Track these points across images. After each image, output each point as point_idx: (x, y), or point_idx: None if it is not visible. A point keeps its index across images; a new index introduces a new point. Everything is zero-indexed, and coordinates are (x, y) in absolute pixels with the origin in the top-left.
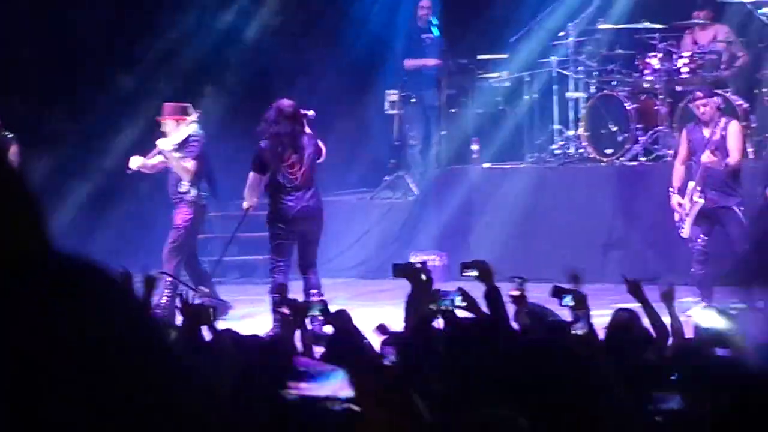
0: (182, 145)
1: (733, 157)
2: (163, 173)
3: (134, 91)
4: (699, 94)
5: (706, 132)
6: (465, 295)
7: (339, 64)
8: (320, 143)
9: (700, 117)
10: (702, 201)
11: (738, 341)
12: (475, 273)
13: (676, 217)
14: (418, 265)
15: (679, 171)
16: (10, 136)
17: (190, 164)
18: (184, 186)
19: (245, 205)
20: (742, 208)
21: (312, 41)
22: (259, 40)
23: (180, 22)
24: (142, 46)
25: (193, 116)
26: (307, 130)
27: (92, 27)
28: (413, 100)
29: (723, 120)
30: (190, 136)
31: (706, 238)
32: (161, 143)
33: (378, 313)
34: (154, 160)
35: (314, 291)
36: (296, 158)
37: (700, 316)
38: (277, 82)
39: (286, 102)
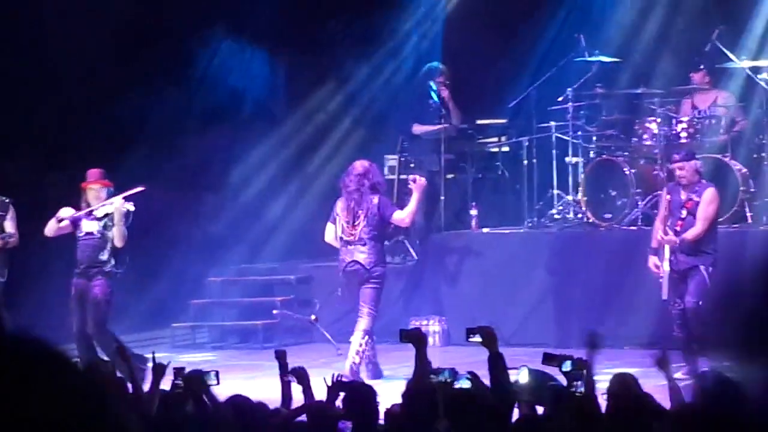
0: (115, 212)
1: (695, 230)
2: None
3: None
4: (676, 156)
5: (683, 195)
6: (474, 380)
7: (339, 126)
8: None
9: (678, 180)
10: (668, 269)
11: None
12: (479, 339)
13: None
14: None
15: (657, 230)
16: (7, 200)
17: (125, 232)
18: (104, 255)
19: None
20: (710, 269)
21: (314, 103)
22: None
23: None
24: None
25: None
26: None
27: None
28: (412, 165)
29: (701, 185)
30: (123, 204)
31: (681, 301)
32: (116, 201)
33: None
34: (63, 224)
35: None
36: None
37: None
38: (275, 141)
39: (357, 162)
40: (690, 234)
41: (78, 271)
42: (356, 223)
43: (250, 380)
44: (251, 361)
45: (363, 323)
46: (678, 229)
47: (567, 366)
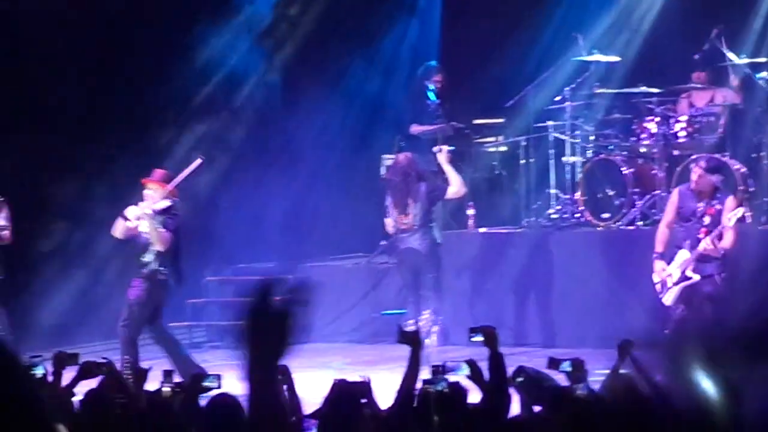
0: (161, 214)
1: (729, 239)
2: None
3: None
4: (702, 163)
5: (700, 202)
6: (473, 367)
7: (336, 127)
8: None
9: (691, 184)
10: (698, 277)
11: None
12: (481, 338)
13: (656, 280)
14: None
15: (664, 234)
16: (1, 199)
17: (165, 235)
18: (148, 256)
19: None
20: (722, 275)
21: (311, 104)
22: (260, 96)
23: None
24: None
25: (174, 187)
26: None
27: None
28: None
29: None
30: (171, 207)
31: (685, 307)
32: (143, 206)
33: (377, 378)
34: (132, 224)
35: None
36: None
37: None
38: (273, 141)
39: (400, 156)
40: (726, 243)
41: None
42: (407, 212)
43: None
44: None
45: (429, 304)
46: (701, 236)
47: (566, 366)
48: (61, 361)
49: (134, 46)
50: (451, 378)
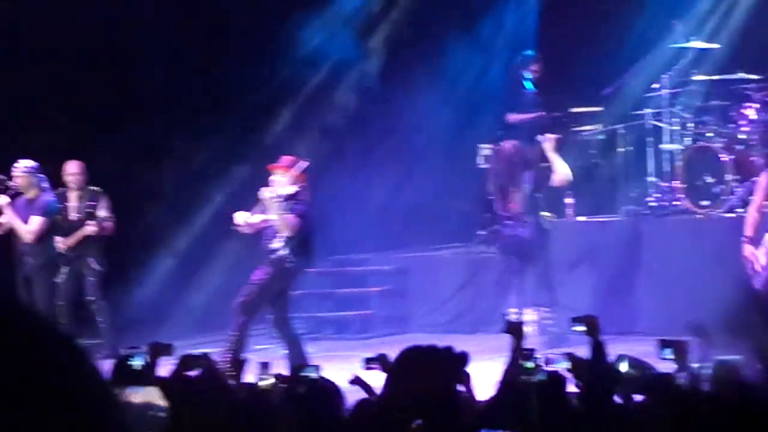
0: (288, 199)
1: None
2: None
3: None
4: None
5: None
6: (574, 361)
7: (434, 114)
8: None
9: None
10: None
11: None
12: (583, 327)
13: (747, 263)
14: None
15: (753, 218)
16: (98, 190)
17: (292, 220)
18: (277, 242)
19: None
20: None
21: (409, 92)
22: (358, 83)
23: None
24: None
25: (302, 170)
26: None
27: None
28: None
29: None
30: (298, 192)
31: None
32: (266, 191)
33: (477, 369)
34: (256, 218)
35: None
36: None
37: None
38: (371, 129)
39: (505, 145)
40: None
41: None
42: (513, 200)
43: (346, 371)
44: (348, 351)
45: (538, 296)
46: None
47: (668, 353)
48: (156, 352)
49: (231, 34)
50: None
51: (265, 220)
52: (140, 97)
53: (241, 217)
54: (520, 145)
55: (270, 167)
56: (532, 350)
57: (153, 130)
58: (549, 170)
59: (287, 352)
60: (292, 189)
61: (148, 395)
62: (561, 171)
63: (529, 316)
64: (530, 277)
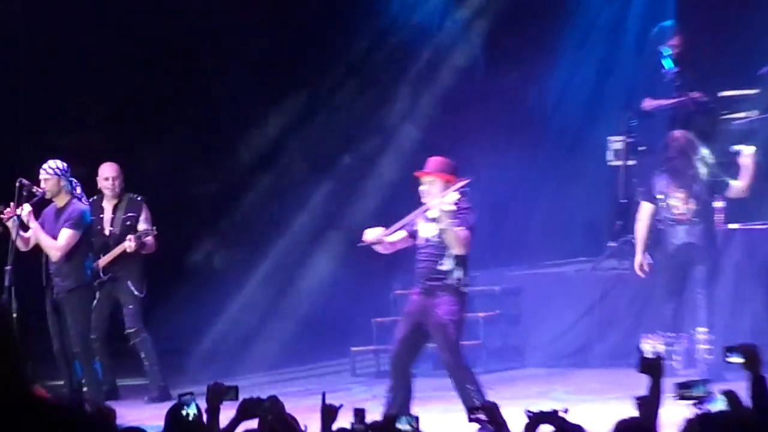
0: (452, 212)
1: None
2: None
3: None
4: None
5: None
6: (732, 400)
7: (550, 105)
8: None
9: None
10: None
11: None
12: (740, 359)
13: None
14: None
15: None
16: (138, 198)
17: (463, 234)
18: (447, 264)
19: None
20: None
21: (516, 79)
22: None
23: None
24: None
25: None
26: None
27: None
28: (642, 149)
29: None
30: (460, 200)
31: None
32: (433, 201)
33: (605, 411)
34: (397, 234)
35: None
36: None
37: None
38: (472, 125)
39: (678, 132)
40: None
41: (419, 288)
42: (685, 199)
43: (446, 414)
44: (449, 392)
45: (700, 318)
46: None
47: (736, 358)
48: (217, 395)
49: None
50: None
51: (404, 240)
52: (199, 92)
53: (372, 234)
54: (691, 135)
55: (418, 174)
56: (687, 384)
57: (212, 127)
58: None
59: (391, 394)
60: (454, 196)
61: None
62: (745, 183)
63: (678, 343)
64: (691, 295)
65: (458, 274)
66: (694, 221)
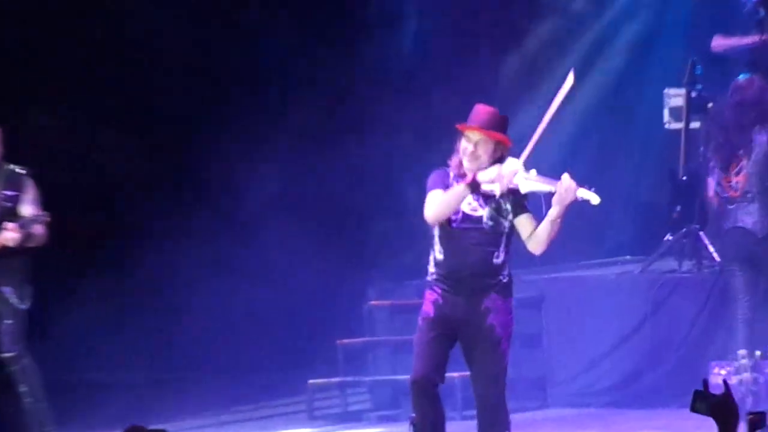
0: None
1: None
2: None
3: None
4: None
5: None
6: None
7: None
8: None
9: None
10: None
11: None
12: None
13: None
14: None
15: None
16: (22, 172)
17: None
18: (503, 257)
19: None
20: None
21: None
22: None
23: None
24: None
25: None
26: None
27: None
28: (710, 105)
29: None
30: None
31: None
32: (507, 172)
33: None
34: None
35: None
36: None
37: None
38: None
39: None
40: None
41: (446, 285)
42: (738, 172)
43: None
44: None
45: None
46: None
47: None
48: None
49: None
50: None
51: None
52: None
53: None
54: (764, 85)
55: (460, 126)
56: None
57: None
58: None
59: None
60: (516, 165)
61: None
62: None
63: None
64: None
65: (506, 271)
66: (747, 199)
